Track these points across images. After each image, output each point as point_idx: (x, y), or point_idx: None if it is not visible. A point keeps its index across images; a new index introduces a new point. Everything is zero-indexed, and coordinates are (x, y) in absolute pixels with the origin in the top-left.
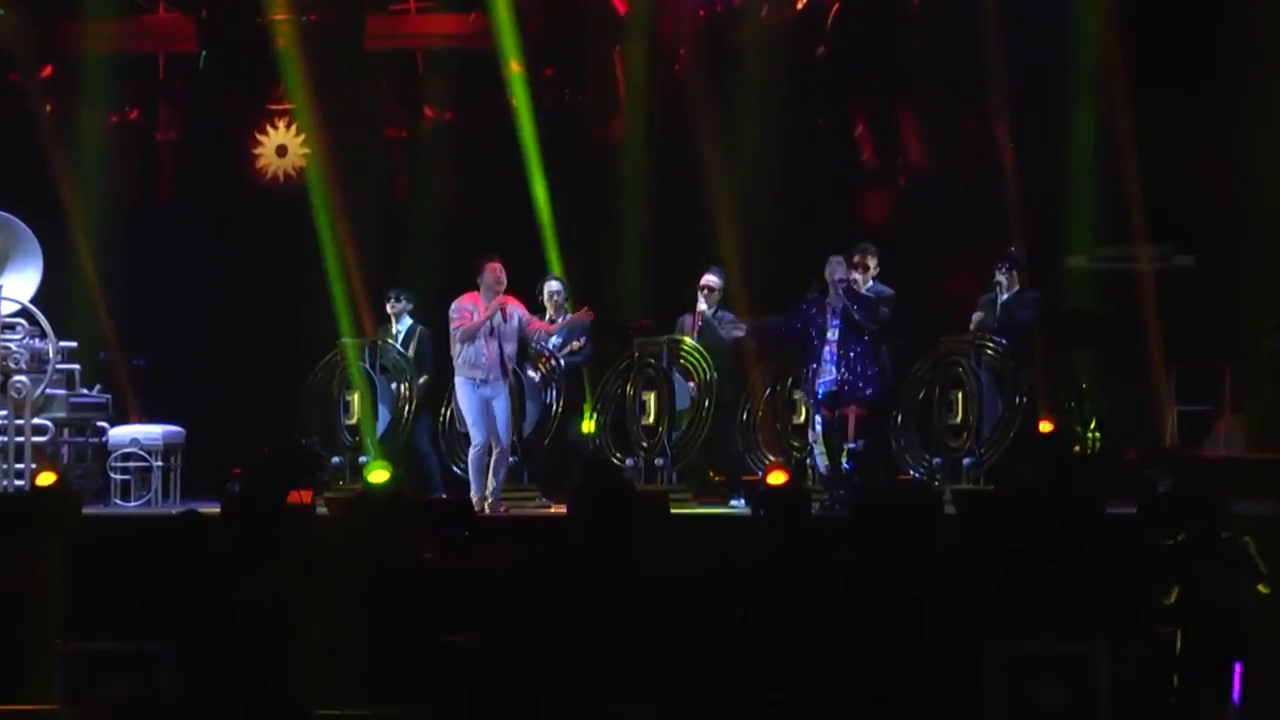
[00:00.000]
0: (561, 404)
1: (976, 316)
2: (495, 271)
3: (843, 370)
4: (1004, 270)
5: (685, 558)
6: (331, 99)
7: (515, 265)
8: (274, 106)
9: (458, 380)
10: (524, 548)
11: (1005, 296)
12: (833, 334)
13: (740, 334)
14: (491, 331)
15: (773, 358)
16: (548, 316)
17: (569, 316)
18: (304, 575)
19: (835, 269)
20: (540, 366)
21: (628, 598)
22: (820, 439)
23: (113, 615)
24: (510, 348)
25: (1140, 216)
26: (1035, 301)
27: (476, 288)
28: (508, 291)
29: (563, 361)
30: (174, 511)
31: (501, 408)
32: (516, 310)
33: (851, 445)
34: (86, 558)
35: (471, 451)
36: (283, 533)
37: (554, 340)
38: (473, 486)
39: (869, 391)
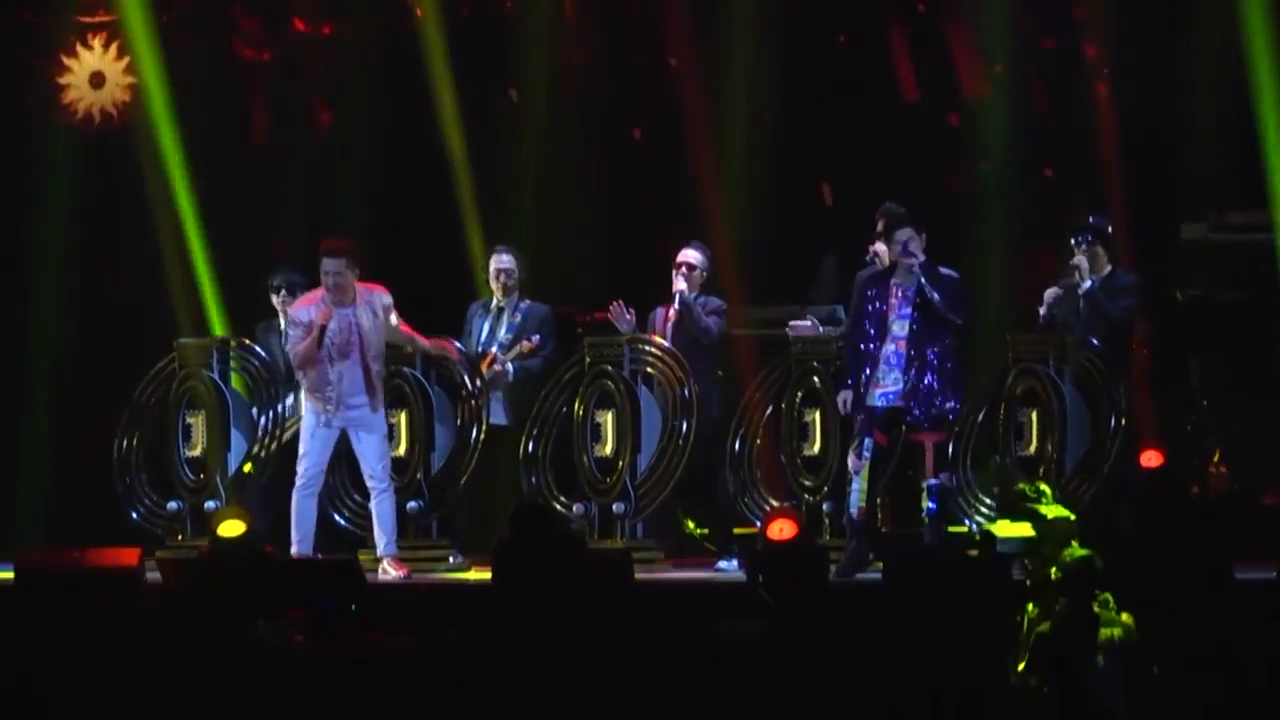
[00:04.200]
0: (484, 430)
1: (1050, 293)
2: (325, 269)
3: (914, 378)
4: (1084, 246)
5: (654, 642)
6: (167, 9)
7: (424, 235)
8: (86, 19)
9: (305, 407)
10: (432, 628)
11: (1089, 283)
12: (900, 327)
13: (718, 324)
14: (332, 343)
15: (777, 363)
16: (495, 303)
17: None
18: (122, 664)
19: (905, 237)
20: (473, 373)
21: (576, 697)
22: (865, 470)
23: None
24: (375, 362)
25: None
26: (1132, 288)
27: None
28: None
29: (510, 368)
30: None
31: (374, 440)
32: (379, 297)
33: (933, 482)
34: None
35: (296, 486)
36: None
37: (499, 338)
38: (295, 536)
39: (949, 405)
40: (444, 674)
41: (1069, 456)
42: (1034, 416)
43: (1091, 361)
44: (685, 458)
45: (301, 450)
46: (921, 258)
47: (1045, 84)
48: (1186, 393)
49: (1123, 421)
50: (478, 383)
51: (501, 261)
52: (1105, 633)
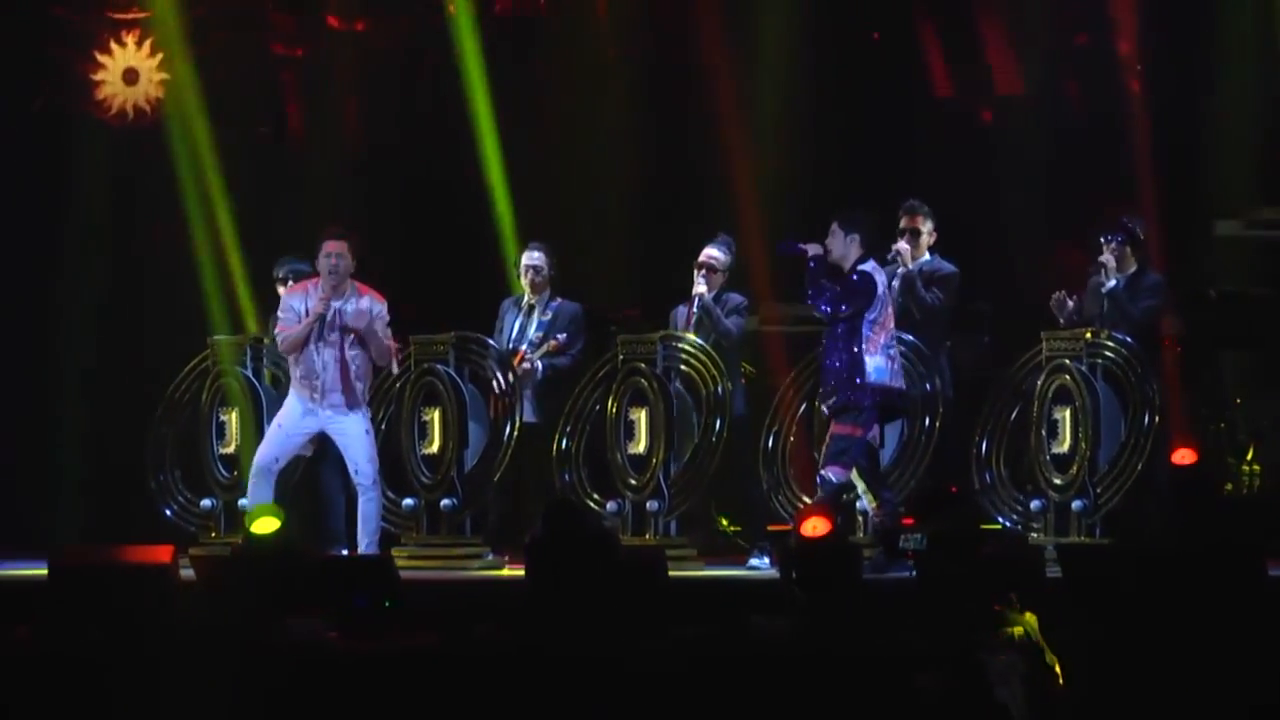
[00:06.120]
0: (517, 426)
1: (1058, 298)
2: (328, 250)
3: (824, 370)
4: (1112, 245)
5: (688, 639)
6: (200, 6)
7: (453, 232)
8: (120, 16)
9: (290, 395)
10: (465, 625)
11: (1114, 282)
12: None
13: (738, 324)
14: (322, 335)
15: (809, 360)
16: (526, 300)
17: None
18: (159, 662)
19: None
20: (505, 371)
21: (608, 692)
22: (853, 475)
23: None
24: (353, 363)
25: None
26: (1157, 289)
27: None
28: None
29: (540, 366)
30: None
31: (355, 436)
32: (374, 304)
33: (824, 473)
34: None
35: (252, 466)
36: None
37: (529, 336)
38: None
39: (829, 393)
40: (476, 671)
41: (1102, 454)
42: (1067, 414)
43: (1124, 358)
44: (718, 455)
45: (271, 429)
46: (815, 250)
47: (1078, 80)
48: (1219, 390)
49: (1155, 419)
50: (510, 379)
51: (532, 258)
52: (1007, 630)
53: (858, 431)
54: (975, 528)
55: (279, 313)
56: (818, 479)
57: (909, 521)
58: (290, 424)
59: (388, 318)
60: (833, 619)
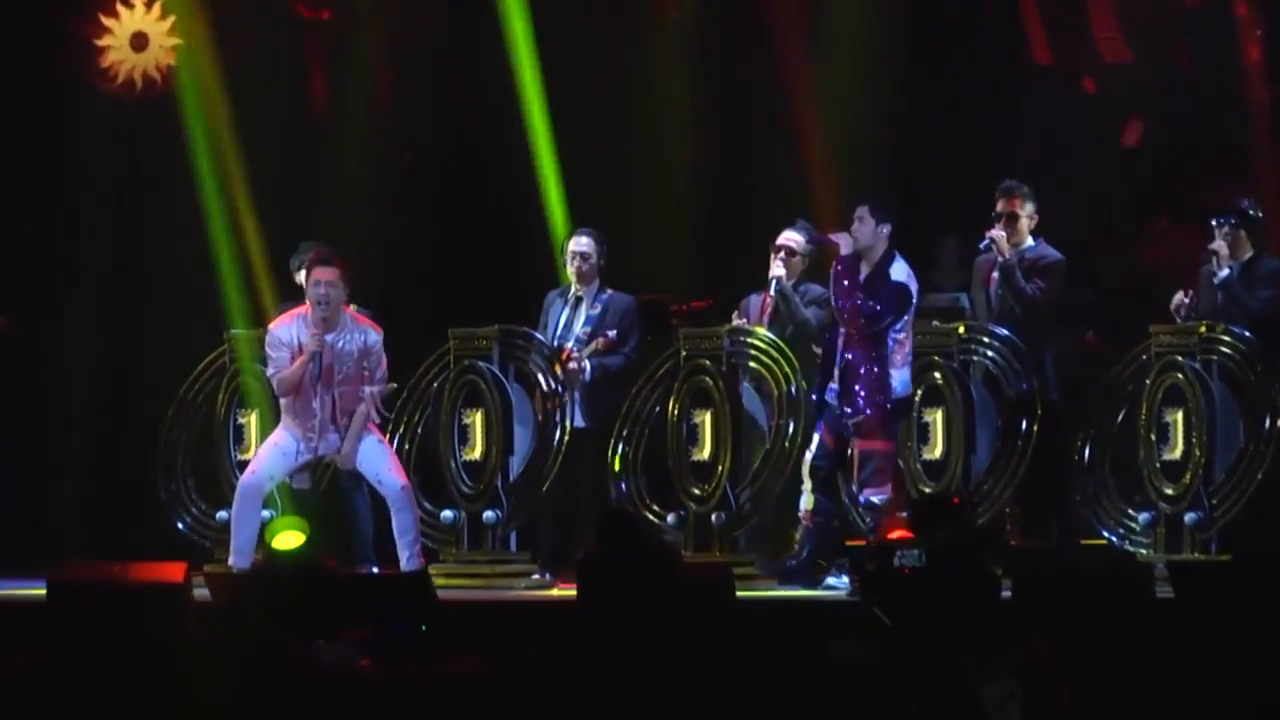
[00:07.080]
0: (567, 431)
1: (1178, 300)
2: (317, 279)
3: (838, 374)
4: (1224, 230)
5: (758, 666)
6: None
7: (495, 215)
8: None
9: (285, 426)
10: (510, 648)
11: (1226, 271)
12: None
13: (818, 315)
14: (320, 376)
15: None
16: (572, 291)
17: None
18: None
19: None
20: (552, 369)
21: None
22: (806, 471)
23: None
24: (342, 399)
25: None
26: (1276, 276)
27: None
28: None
29: (588, 366)
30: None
31: (368, 449)
32: (370, 334)
33: (865, 496)
34: None
35: (240, 484)
36: None
37: (575, 331)
38: (233, 540)
39: (853, 408)
40: (523, 700)
41: (1218, 461)
42: (1179, 417)
43: (1243, 354)
44: (792, 462)
45: (259, 454)
46: (845, 246)
47: (1190, 47)
48: None
49: (1278, 422)
50: (559, 379)
51: (579, 245)
52: (1009, 655)
53: (889, 446)
54: (977, 542)
55: (268, 349)
56: (860, 504)
57: (908, 535)
58: (289, 448)
59: (384, 356)
60: (917, 644)
